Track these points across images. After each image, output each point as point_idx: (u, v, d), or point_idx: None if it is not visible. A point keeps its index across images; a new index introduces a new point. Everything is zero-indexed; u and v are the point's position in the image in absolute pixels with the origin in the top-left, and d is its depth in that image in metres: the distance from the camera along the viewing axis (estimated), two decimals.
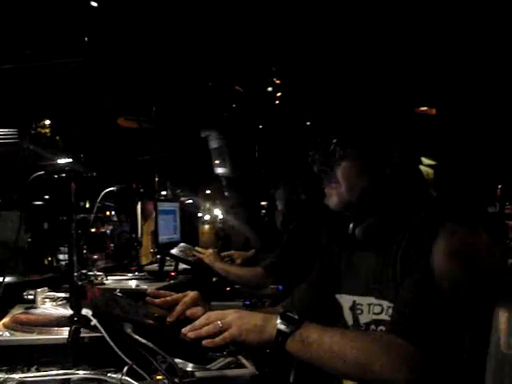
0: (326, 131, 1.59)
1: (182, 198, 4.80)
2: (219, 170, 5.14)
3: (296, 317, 1.37)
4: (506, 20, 5.65)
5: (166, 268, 3.66)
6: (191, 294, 1.65)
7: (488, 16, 5.71)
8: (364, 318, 1.57)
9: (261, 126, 8.12)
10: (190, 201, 4.93)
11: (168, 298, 1.65)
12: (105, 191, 3.35)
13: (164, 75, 5.35)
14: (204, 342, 1.41)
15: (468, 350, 1.35)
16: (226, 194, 4.84)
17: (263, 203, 6.03)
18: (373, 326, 1.53)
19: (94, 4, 4.54)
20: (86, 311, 1.43)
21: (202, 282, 3.64)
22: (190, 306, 1.62)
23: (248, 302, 3.43)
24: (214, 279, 3.78)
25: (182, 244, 3.62)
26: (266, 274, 3.33)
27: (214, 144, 5.14)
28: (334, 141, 1.54)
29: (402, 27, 5.76)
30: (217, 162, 5.10)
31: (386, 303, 1.49)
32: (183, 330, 1.46)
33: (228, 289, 3.95)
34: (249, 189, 5.33)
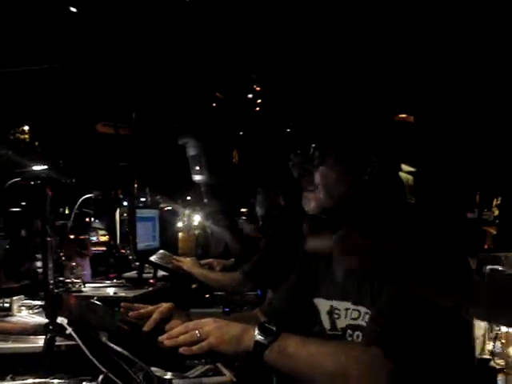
0: (306, 136, 1.59)
1: (162, 205, 4.77)
2: (197, 178, 5.12)
3: (274, 328, 1.37)
4: (482, 32, 5.73)
5: (145, 275, 3.63)
6: (165, 305, 1.64)
7: (465, 28, 5.78)
8: (341, 323, 1.57)
9: (241, 133, 8.14)
10: (170, 208, 4.91)
11: (142, 311, 1.64)
12: (82, 198, 3.32)
13: (143, 81, 5.33)
14: (181, 350, 1.40)
15: (445, 359, 1.36)
16: (206, 200, 4.84)
17: (243, 210, 6.03)
18: (349, 331, 1.54)
19: (73, 9, 4.51)
20: (61, 319, 1.42)
21: (180, 289, 3.62)
22: (166, 314, 1.61)
23: (227, 309, 3.42)
24: (194, 286, 3.76)
25: (160, 251, 3.60)
26: (245, 279, 3.33)
27: (191, 151, 5.12)
28: (313, 145, 1.54)
29: (382, 35, 5.80)
30: (194, 169, 5.08)
31: (363, 309, 1.49)
32: (160, 338, 1.45)
33: (207, 296, 3.93)
34: (228, 195, 5.32)
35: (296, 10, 5.03)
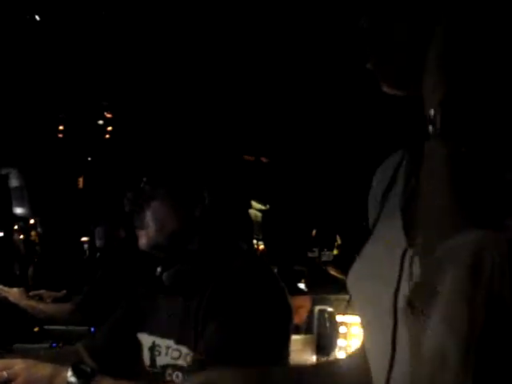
0: (138, 169, 1.58)
1: None
2: (18, 211, 4.83)
3: (88, 370, 1.32)
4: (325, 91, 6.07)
5: None
6: None
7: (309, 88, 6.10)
8: (161, 360, 1.54)
9: (89, 159, 7.92)
10: (2, 234, 4.63)
11: None
12: None
13: None
14: None
15: None
16: (39, 230, 4.59)
17: (84, 239, 5.83)
18: (169, 370, 1.51)
19: None
20: None
21: (6, 322, 3.39)
22: None
23: (55, 344, 3.24)
24: (24, 319, 3.54)
25: None
26: (76, 312, 3.19)
27: (14, 183, 4.84)
28: (144, 179, 1.53)
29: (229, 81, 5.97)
30: (16, 201, 4.80)
31: (184, 349, 1.48)
32: None
33: (36, 329, 3.72)
34: (69, 224, 5.12)
35: (147, 41, 5.03)
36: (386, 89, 0.84)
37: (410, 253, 0.81)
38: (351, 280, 0.96)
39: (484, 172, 0.65)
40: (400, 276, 0.82)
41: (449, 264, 0.57)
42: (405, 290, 0.80)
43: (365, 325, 0.95)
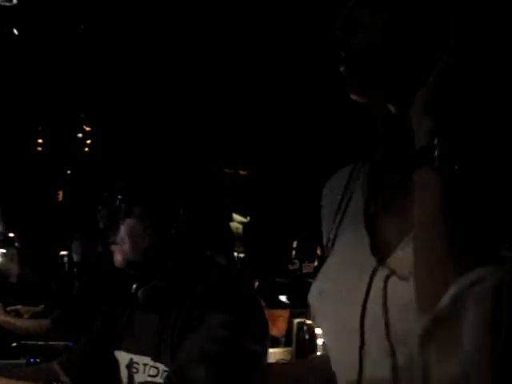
0: (114, 187, 1.58)
1: None
2: None
3: None
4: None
5: None
6: None
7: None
8: (139, 378, 1.54)
9: (69, 172, 7.88)
10: None
11: None
12: None
13: None
14: None
15: None
16: (17, 244, 4.54)
17: (63, 253, 5.79)
18: None
19: None
20: None
21: None
22: None
23: (33, 360, 3.21)
24: (1, 334, 3.50)
25: None
26: (53, 327, 3.16)
27: None
28: (120, 197, 1.53)
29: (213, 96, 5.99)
30: None
31: (161, 366, 1.47)
32: None
33: (14, 344, 3.67)
34: (47, 238, 5.08)
35: (128, 58, 5.04)
36: (354, 96, 0.82)
37: (382, 272, 0.80)
38: (314, 300, 0.93)
39: (480, 200, 0.64)
40: (367, 296, 0.80)
41: (471, 300, 0.59)
42: (373, 309, 0.79)
43: (328, 342, 0.94)
